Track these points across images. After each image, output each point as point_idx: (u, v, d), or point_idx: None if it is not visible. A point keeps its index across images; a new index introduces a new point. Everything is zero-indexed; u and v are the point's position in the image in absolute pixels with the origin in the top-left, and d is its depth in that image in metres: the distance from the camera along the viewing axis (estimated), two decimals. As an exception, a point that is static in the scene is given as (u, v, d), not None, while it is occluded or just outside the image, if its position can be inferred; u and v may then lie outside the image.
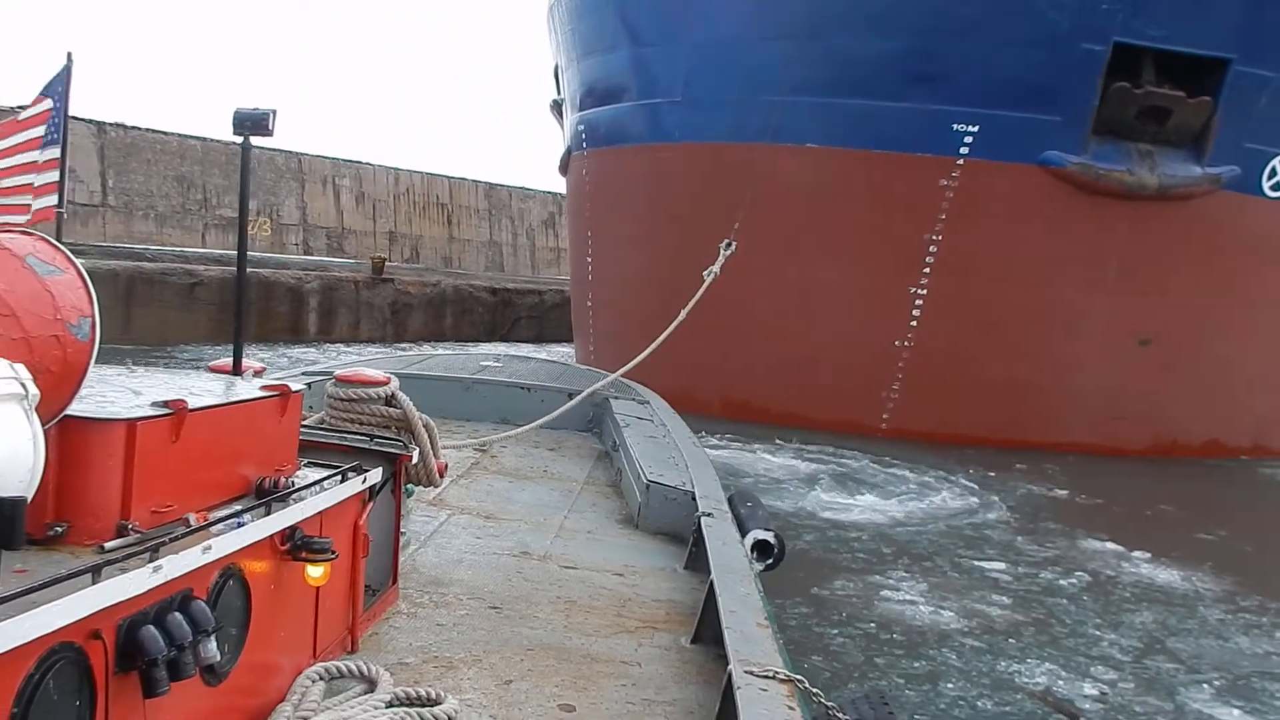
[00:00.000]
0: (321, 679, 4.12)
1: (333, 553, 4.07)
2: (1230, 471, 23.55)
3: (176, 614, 3.07)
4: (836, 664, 10.10)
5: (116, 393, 3.58)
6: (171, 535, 3.20)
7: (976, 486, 19.22)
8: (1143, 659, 11.08)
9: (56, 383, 2.97)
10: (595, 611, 5.91)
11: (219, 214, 43.17)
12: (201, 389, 3.98)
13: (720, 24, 24.17)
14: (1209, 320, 23.81)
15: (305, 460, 4.55)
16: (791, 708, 4.09)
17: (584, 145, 29.46)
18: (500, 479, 9.26)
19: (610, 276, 28.85)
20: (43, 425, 2.74)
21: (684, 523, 7.54)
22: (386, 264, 41.94)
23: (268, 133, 4.69)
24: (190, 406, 3.50)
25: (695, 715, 4.63)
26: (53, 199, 8.16)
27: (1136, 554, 15.06)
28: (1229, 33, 21.73)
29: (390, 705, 3.98)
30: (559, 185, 37.26)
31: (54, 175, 8.21)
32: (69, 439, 3.13)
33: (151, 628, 2.96)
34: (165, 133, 42.33)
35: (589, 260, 30.18)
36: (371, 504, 4.94)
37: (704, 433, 20.02)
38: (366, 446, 5.29)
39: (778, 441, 21.55)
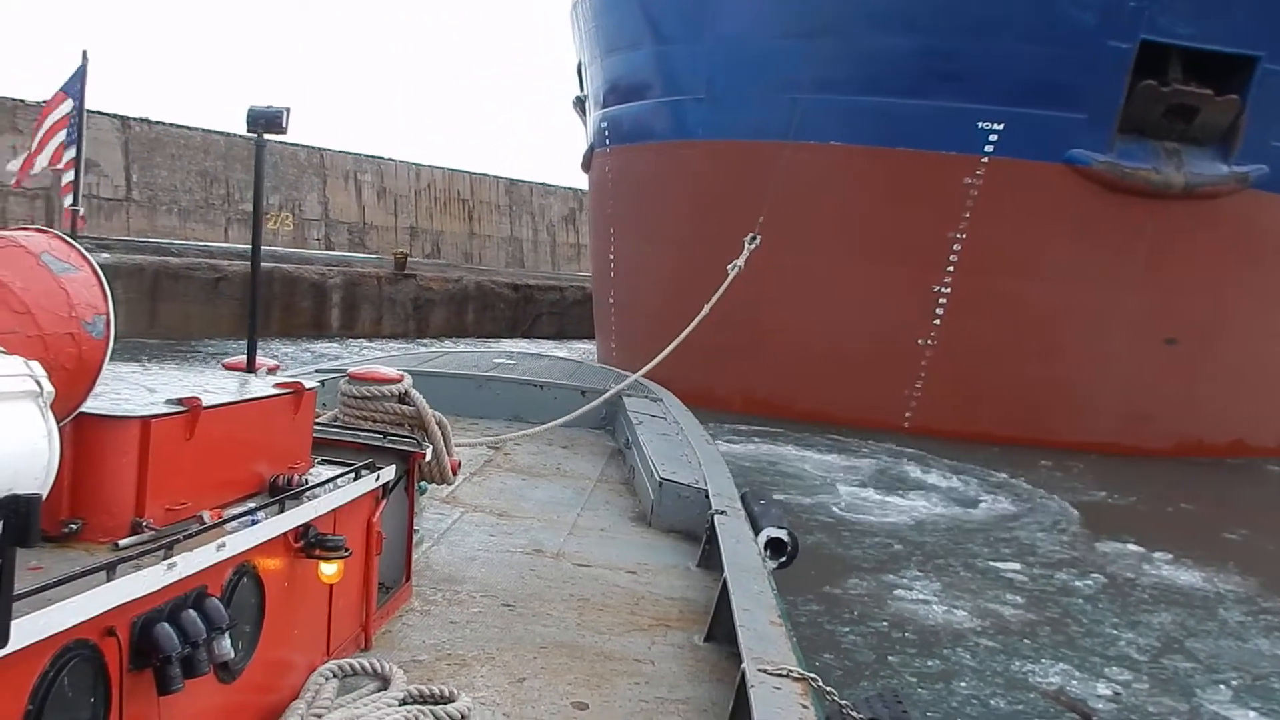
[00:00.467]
0: (335, 676, 4.13)
1: (346, 550, 4.08)
2: (1256, 472, 23.34)
3: (191, 611, 3.09)
4: (849, 662, 10.09)
5: (131, 390, 3.59)
6: (186, 533, 3.22)
7: (999, 485, 19.12)
8: (1159, 659, 11.00)
9: (71, 380, 2.99)
10: (608, 609, 5.92)
11: (242, 209, 43.44)
12: (215, 386, 3.99)
13: (744, 21, 24.12)
14: (1235, 319, 23.63)
15: (319, 458, 4.57)
16: (805, 706, 4.09)
17: (607, 142, 29.46)
18: (513, 476, 9.27)
19: (632, 273, 28.84)
20: (57, 423, 2.74)
21: (697, 520, 7.54)
22: (408, 259, 42.07)
23: (282, 130, 4.70)
24: (204, 404, 3.51)
25: (709, 714, 4.63)
26: (67, 199, 8.26)
27: (1158, 554, 14.94)
28: (1257, 30, 21.53)
29: (403, 703, 4.00)
30: (579, 181, 37.32)
31: (69, 175, 8.31)
32: (84, 436, 3.14)
33: (166, 625, 2.98)
34: (189, 128, 42.66)
35: (611, 257, 30.19)
36: (385, 501, 4.95)
37: (725, 429, 20.06)
38: (380, 444, 5.30)
39: (798, 438, 21.49)
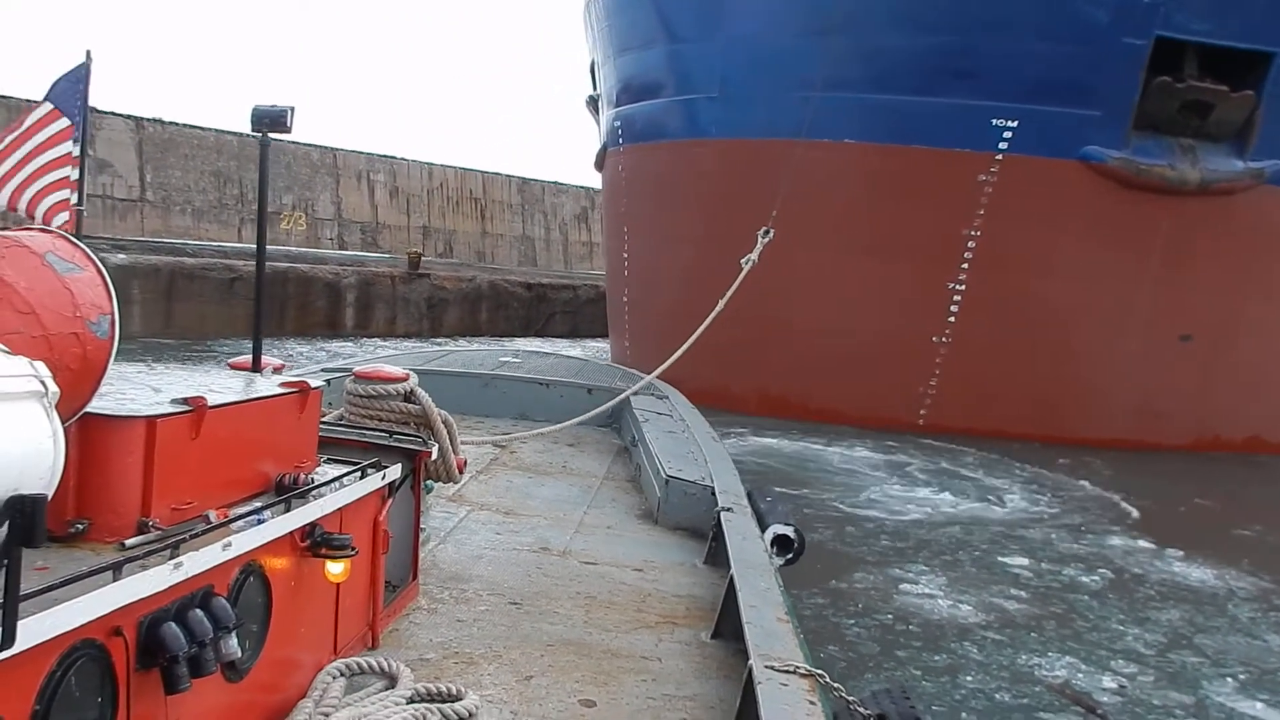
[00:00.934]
0: (342, 675, 4.15)
1: (353, 549, 4.09)
2: (1274, 468, 23.19)
3: (197, 611, 3.10)
4: (855, 656, 10.08)
5: (136, 390, 3.60)
6: (192, 532, 3.23)
7: (1013, 482, 19.06)
8: (1166, 654, 10.97)
9: (76, 380, 2.99)
10: (615, 607, 5.92)
11: (255, 209, 43.49)
12: (221, 386, 4.00)
13: (756, 20, 24.09)
14: (1251, 316, 23.52)
15: (325, 457, 4.57)
16: (813, 702, 4.09)
17: (620, 141, 29.46)
18: (519, 475, 9.27)
19: (646, 272, 28.84)
20: (63, 423, 2.74)
21: (703, 518, 7.54)
22: (422, 259, 42.18)
23: (286, 129, 4.72)
24: (210, 404, 3.52)
25: (716, 710, 4.63)
26: (71, 196, 8.17)
27: (1170, 550, 14.88)
28: (1273, 26, 21.43)
29: (411, 701, 4.02)
30: (592, 180, 37.32)
31: (69, 172, 8.22)
32: (89, 436, 3.15)
33: (173, 624, 2.99)
34: (202, 128, 42.83)
35: (625, 256, 30.20)
36: (391, 500, 4.96)
37: (737, 427, 20.05)
38: (386, 443, 5.31)
39: (810, 435, 21.47)
